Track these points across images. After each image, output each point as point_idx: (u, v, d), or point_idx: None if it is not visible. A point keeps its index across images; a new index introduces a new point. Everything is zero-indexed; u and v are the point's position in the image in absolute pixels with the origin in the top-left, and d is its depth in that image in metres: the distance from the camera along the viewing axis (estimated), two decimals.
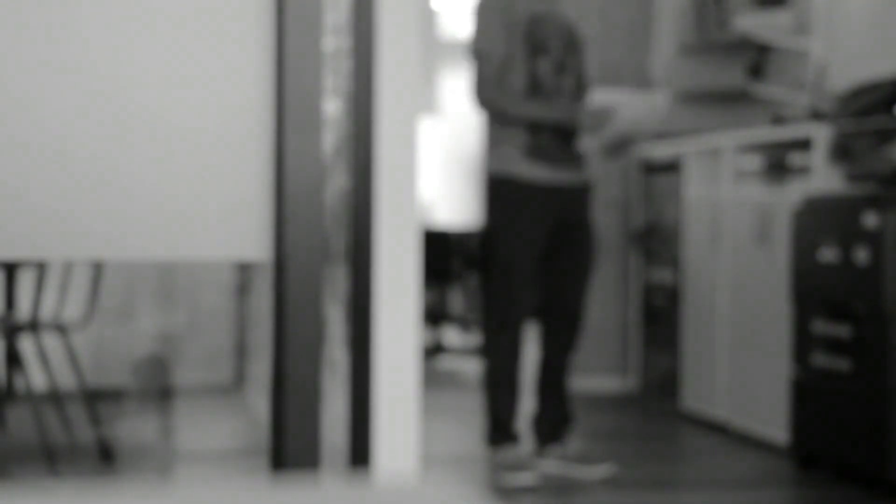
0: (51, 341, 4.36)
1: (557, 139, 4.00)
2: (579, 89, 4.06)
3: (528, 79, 3.96)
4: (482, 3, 4.00)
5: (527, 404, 4.29)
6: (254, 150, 1.30)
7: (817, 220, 4.04)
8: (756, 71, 5.62)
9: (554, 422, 4.10)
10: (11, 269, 4.45)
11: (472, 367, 7.16)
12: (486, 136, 4.06)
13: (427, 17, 8.58)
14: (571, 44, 4.05)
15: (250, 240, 1.31)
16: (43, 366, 4.12)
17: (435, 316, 8.03)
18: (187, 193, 1.29)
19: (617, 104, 4.10)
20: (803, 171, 4.48)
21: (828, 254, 3.95)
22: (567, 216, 4.04)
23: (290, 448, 1.27)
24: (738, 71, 5.84)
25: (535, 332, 4.25)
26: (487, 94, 3.96)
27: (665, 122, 5.90)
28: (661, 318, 5.52)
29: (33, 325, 3.98)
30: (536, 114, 3.95)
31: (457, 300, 8.43)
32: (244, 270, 5.35)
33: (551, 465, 4.05)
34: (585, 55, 4.11)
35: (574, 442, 4.17)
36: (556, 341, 4.10)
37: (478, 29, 3.98)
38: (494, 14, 3.96)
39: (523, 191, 3.97)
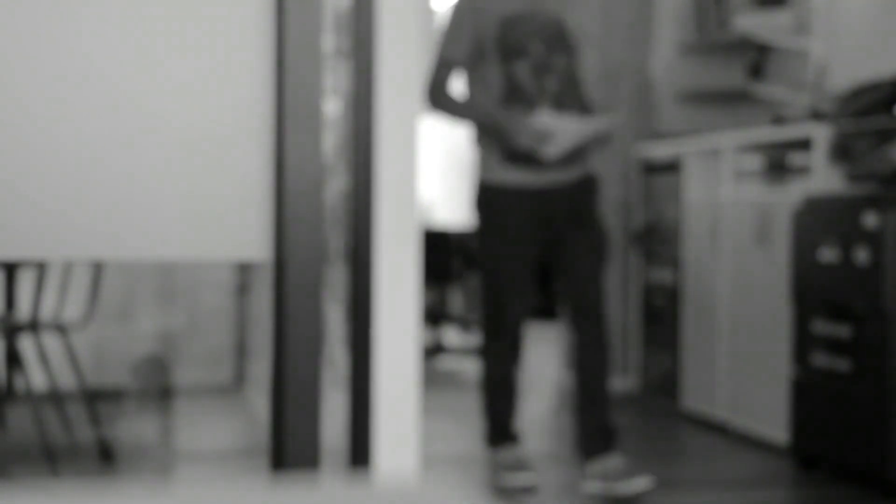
0: (51, 341, 4.36)
1: None
2: (569, 90, 3.84)
3: (505, 82, 3.80)
4: (454, 6, 3.89)
5: (531, 407, 4.28)
6: (254, 150, 1.31)
7: (817, 220, 4.04)
8: (756, 71, 5.62)
9: (594, 435, 3.84)
10: (11, 269, 4.45)
11: (472, 367, 7.16)
12: (472, 141, 4.02)
13: (427, 17, 8.58)
14: (558, 43, 3.83)
15: (250, 240, 1.31)
16: (43, 366, 4.13)
17: (435, 316, 8.03)
18: (187, 193, 1.29)
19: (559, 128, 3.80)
20: (803, 171, 4.48)
21: (828, 254, 3.95)
22: (559, 217, 3.88)
23: (290, 448, 1.27)
24: (738, 71, 5.84)
25: (532, 335, 4.18)
26: (434, 97, 3.89)
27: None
28: (661, 318, 5.52)
29: (33, 325, 3.98)
30: (472, 117, 3.86)
31: (457, 300, 8.43)
32: (244, 270, 5.35)
33: (593, 486, 3.80)
34: (578, 54, 3.87)
35: (614, 457, 3.84)
36: (583, 348, 3.88)
37: (445, 33, 3.87)
38: (463, 18, 3.83)
39: (503, 197, 3.86)
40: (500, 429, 3.97)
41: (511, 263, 3.87)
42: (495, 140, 3.85)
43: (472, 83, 3.89)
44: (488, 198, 3.90)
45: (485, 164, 3.92)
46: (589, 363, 3.86)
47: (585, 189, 3.93)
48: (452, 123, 3.99)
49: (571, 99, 3.85)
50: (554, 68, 3.82)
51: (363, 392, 1.32)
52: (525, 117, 3.77)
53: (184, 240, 1.29)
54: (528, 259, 3.89)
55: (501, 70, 3.81)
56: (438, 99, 3.89)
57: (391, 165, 1.32)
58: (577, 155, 3.88)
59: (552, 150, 3.76)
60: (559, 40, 3.84)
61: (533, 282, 3.95)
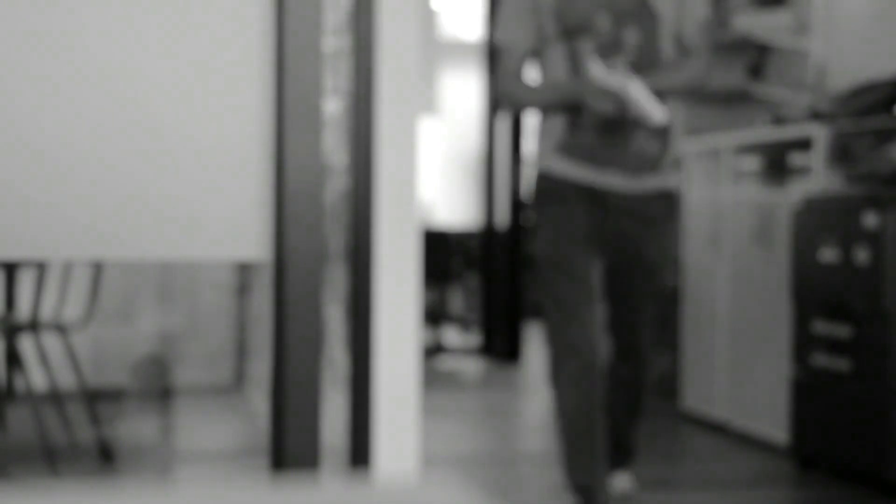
0: (51, 341, 4.36)
1: (604, 137, 3.26)
2: (642, 70, 3.23)
3: (569, 64, 3.26)
4: None
5: (531, 407, 4.27)
6: (254, 150, 1.30)
7: (817, 220, 4.04)
8: (756, 71, 5.62)
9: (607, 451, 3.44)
10: (11, 269, 4.45)
11: (472, 367, 7.16)
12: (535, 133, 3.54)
13: (427, 17, 8.58)
14: (631, 16, 3.24)
15: (250, 240, 1.31)
16: (43, 366, 4.12)
17: (435, 316, 8.04)
18: (187, 193, 1.29)
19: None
20: (803, 171, 4.48)
21: (828, 254, 3.95)
22: (611, 228, 3.32)
23: (290, 448, 1.27)
24: (738, 71, 5.84)
25: (531, 333, 3.91)
26: (507, 87, 3.35)
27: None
28: (661, 318, 5.52)
29: (33, 325, 3.98)
30: (545, 97, 3.30)
31: (457, 300, 8.43)
32: (244, 270, 5.35)
33: None
34: (658, 27, 3.28)
35: (620, 477, 3.59)
36: (616, 385, 3.43)
37: (501, 18, 3.38)
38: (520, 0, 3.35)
39: (556, 184, 3.30)
40: (580, 495, 3.26)
41: (572, 256, 3.26)
42: (559, 131, 3.32)
43: (539, 70, 3.38)
44: (541, 186, 3.35)
45: (539, 153, 3.38)
46: (618, 400, 3.46)
47: (657, 208, 3.34)
48: (532, 113, 3.43)
49: (644, 81, 3.24)
50: (624, 46, 3.24)
51: (363, 392, 1.32)
52: (585, 76, 3.21)
53: (184, 240, 1.29)
54: (589, 254, 3.29)
55: (563, 50, 3.27)
56: (514, 90, 3.35)
57: (391, 165, 1.32)
58: (650, 161, 3.29)
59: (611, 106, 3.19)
60: (632, 12, 3.26)
61: (599, 288, 3.31)
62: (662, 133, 3.29)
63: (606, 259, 3.36)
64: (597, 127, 3.26)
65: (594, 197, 3.29)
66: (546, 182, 3.34)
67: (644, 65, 3.24)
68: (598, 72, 3.18)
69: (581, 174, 3.29)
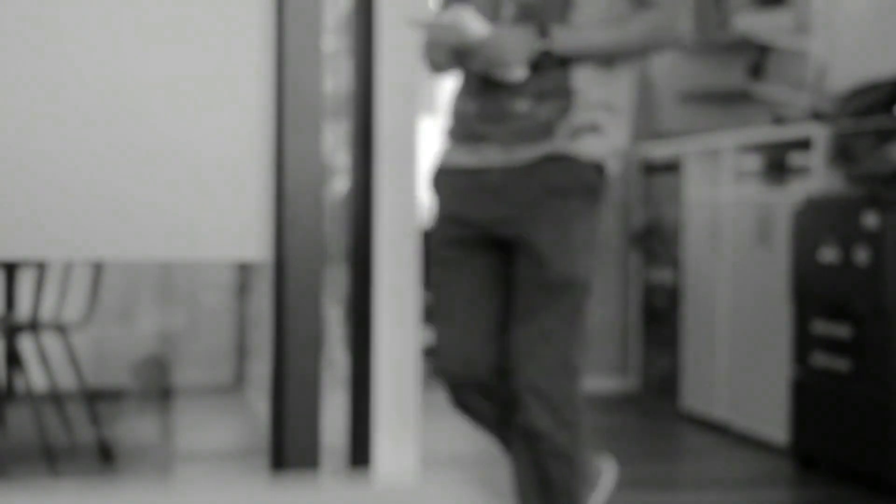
0: (51, 341, 4.36)
1: (480, 101, 2.49)
2: (536, 17, 2.42)
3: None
4: None
5: None
6: (254, 150, 1.30)
7: (817, 220, 4.04)
8: (756, 71, 5.62)
9: None
10: (11, 269, 4.45)
11: None
12: None
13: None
14: None
15: (250, 240, 1.31)
16: (43, 366, 4.12)
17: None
18: (188, 193, 1.29)
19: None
20: (803, 171, 4.48)
21: (828, 254, 3.95)
22: (503, 223, 2.49)
23: (290, 448, 1.27)
24: (738, 71, 5.84)
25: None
26: (425, 49, 2.57)
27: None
28: (661, 318, 5.52)
29: (33, 325, 3.98)
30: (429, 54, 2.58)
31: None
32: (244, 270, 5.35)
33: None
34: None
35: None
36: (515, 456, 2.54)
37: None
38: None
39: (441, 184, 2.59)
40: None
41: (448, 276, 2.64)
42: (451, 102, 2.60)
43: None
44: (432, 182, 2.63)
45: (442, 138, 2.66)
46: (522, 479, 2.50)
47: (547, 177, 2.44)
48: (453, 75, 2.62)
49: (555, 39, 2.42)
50: None
51: (363, 392, 1.33)
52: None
53: (184, 240, 1.29)
54: (472, 276, 2.59)
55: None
56: (429, 52, 2.58)
57: (391, 165, 1.32)
58: (539, 128, 2.44)
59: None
60: None
61: (494, 318, 2.60)
62: (560, 94, 2.44)
63: (507, 260, 2.56)
64: (473, 89, 2.51)
65: (469, 184, 2.52)
66: (433, 180, 2.64)
67: (541, 13, 2.43)
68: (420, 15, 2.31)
69: (457, 158, 2.54)
